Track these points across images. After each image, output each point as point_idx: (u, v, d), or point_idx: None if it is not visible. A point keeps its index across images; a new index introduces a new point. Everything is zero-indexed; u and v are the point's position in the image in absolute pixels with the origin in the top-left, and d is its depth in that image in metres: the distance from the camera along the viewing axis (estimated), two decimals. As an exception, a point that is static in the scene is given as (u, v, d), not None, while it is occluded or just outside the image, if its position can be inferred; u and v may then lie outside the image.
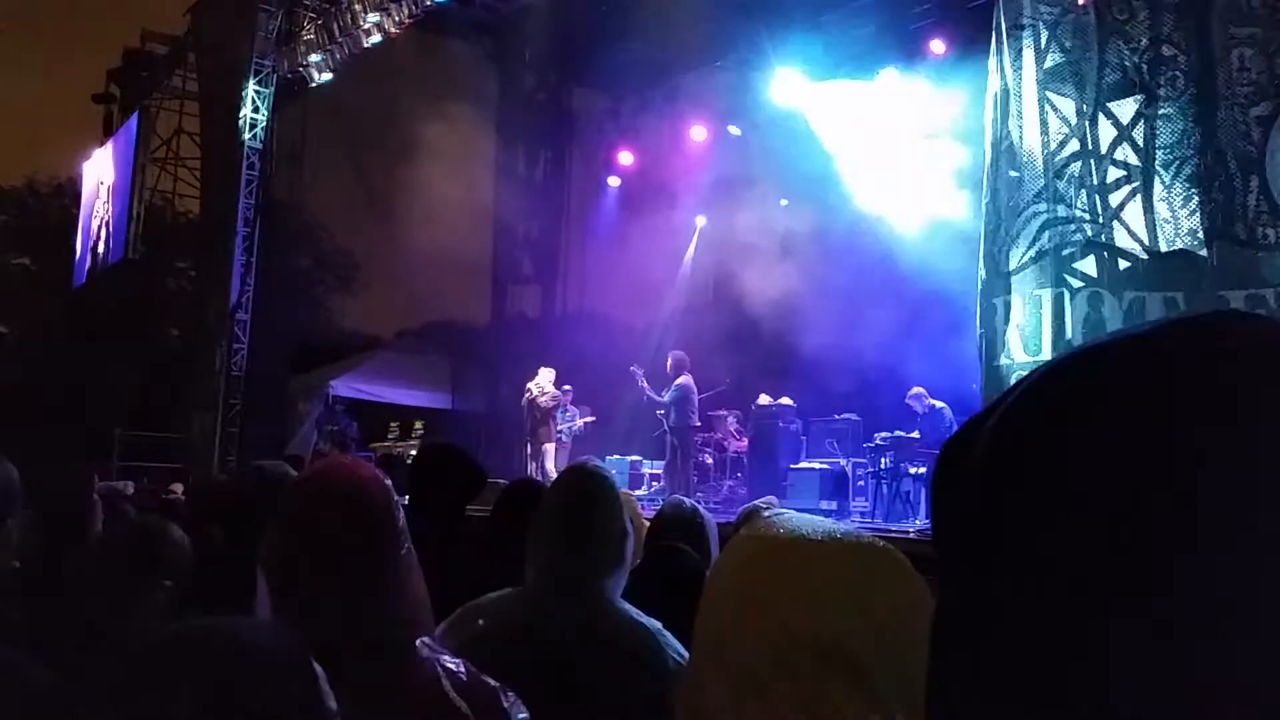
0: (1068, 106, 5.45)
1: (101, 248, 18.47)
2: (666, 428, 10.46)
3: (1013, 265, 5.39)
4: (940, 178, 10.69)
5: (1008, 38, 5.80)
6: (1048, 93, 5.47)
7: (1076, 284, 5.14)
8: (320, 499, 1.45)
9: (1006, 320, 5.35)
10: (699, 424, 10.69)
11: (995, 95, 5.88)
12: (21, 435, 13.64)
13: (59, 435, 15.79)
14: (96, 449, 14.89)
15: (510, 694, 1.43)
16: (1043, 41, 5.61)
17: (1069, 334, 5.09)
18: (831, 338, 10.92)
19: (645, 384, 10.60)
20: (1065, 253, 5.21)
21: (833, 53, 11.88)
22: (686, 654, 1.89)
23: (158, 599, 2.31)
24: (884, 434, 9.54)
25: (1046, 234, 5.26)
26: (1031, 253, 5.32)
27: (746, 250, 13.18)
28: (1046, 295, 5.20)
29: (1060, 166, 5.33)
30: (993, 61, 5.95)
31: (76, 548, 2.45)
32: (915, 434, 9.28)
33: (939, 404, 9.36)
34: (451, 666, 1.43)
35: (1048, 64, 5.54)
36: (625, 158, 15.14)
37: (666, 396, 10.38)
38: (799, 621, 0.80)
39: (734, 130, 13.88)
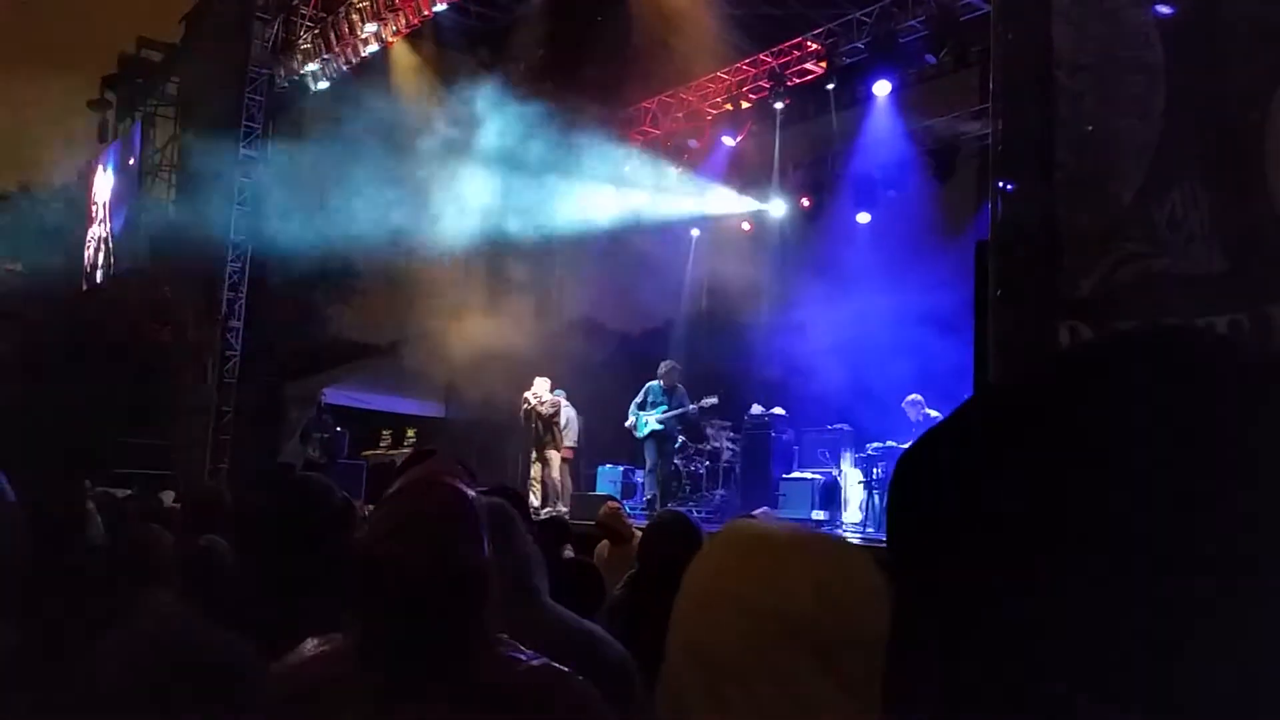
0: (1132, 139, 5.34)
1: (102, 260, 18.43)
2: (665, 435, 10.46)
3: (1083, 294, 5.34)
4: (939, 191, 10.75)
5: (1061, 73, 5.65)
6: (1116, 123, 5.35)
7: (1154, 317, 5.11)
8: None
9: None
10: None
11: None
12: (14, 442, 13.55)
13: (52, 442, 15.71)
14: (89, 456, 14.81)
15: (580, 677, 1.44)
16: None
17: None
18: (824, 345, 10.93)
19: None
20: (1142, 287, 5.17)
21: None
22: None
23: (151, 605, 2.31)
24: (876, 444, 9.53)
25: (1122, 268, 5.23)
26: (1106, 289, 5.28)
27: (741, 259, 13.21)
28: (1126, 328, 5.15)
29: (1133, 198, 5.25)
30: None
31: (71, 554, 2.46)
32: (909, 444, 9.28)
33: (934, 413, 9.35)
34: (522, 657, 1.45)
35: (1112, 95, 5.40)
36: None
37: (688, 406, 10.41)
38: (766, 605, 0.84)
39: (728, 141, 13.94)
